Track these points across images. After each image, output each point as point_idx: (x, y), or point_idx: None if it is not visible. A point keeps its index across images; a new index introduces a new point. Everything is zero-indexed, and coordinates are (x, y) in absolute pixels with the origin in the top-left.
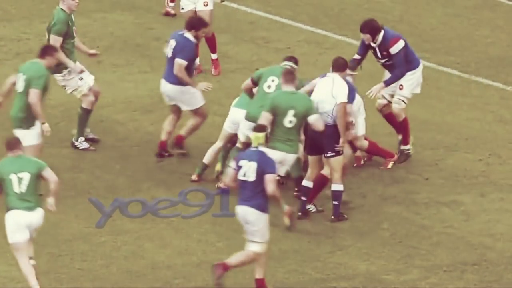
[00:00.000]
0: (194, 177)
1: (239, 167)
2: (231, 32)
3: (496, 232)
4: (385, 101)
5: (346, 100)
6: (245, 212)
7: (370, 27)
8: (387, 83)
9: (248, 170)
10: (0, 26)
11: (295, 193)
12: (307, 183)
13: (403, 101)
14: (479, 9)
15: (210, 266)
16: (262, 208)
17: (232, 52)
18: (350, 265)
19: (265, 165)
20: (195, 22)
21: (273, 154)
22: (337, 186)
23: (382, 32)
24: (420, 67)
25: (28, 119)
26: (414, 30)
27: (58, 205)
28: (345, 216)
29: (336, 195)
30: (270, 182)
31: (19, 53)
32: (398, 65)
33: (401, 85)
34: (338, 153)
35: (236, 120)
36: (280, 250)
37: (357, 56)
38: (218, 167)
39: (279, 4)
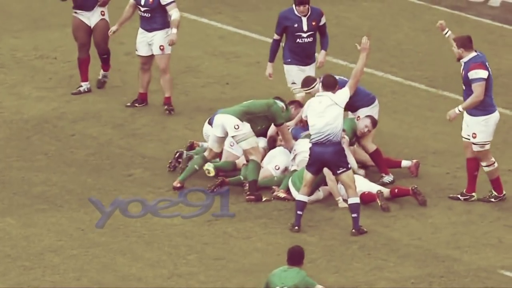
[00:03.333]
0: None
1: None
2: (201, 46)
3: (463, 244)
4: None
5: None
6: None
7: None
8: (325, 48)
9: None
10: None
11: (246, 196)
12: (302, 197)
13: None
14: (446, 24)
15: (180, 278)
16: None
17: (203, 67)
18: (320, 277)
19: None
20: None
21: None
22: (354, 199)
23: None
24: None
25: None
26: (382, 45)
27: (30, 218)
28: (365, 229)
29: (354, 208)
30: None
31: None
32: (326, 34)
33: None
34: (348, 168)
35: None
36: (250, 263)
37: (277, 37)
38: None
39: (249, 19)
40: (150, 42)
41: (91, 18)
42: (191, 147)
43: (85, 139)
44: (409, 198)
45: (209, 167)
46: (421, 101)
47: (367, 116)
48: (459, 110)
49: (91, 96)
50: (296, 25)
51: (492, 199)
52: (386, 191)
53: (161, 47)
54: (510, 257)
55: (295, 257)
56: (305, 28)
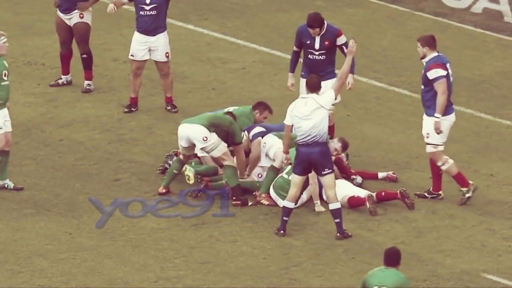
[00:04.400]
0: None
1: None
2: (188, 52)
3: (446, 248)
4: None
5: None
6: None
7: (320, 21)
8: (353, 72)
9: None
10: None
11: (233, 202)
12: (289, 204)
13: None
14: (428, 31)
15: (167, 282)
16: None
17: (189, 73)
18: (305, 281)
19: None
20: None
21: None
22: (334, 205)
23: (325, 23)
24: None
25: None
26: (366, 51)
27: (18, 222)
28: (350, 233)
29: (336, 213)
30: None
31: None
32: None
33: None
34: (333, 170)
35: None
36: (237, 267)
37: (296, 49)
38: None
39: (235, 25)
40: (153, 48)
41: (71, 19)
42: (175, 155)
43: (73, 144)
44: (394, 202)
45: (190, 173)
46: (404, 106)
47: (339, 139)
48: (438, 117)
49: (79, 102)
50: (308, 42)
51: (468, 195)
52: (373, 195)
53: (167, 54)
54: (493, 261)
55: (392, 257)
56: (316, 46)
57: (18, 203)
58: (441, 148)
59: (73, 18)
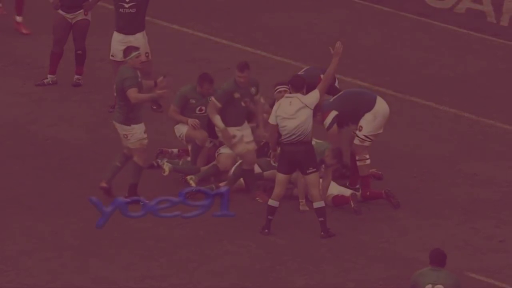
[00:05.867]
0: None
1: None
2: (173, 52)
3: (429, 247)
4: None
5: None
6: None
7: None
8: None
9: None
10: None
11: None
12: (273, 203)
13: None
14: (413, 31)
15: (153, 281)
16: None
17: (174, 72)
18: (289, 279)
19: None
20: None
21: None
22: (318, 203)
23: None
24: None
25: None
26: (350, 50)
27: (3, 221)
28: (334, 232)
29: (320, 211)
30: None
31: None
32: None
33: None
34: (317, 169)
35: None
36: (222, 266)
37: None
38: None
39: (220, 26)
40: None
41: (74, 18)
42: (161, 153)
43: (58, 144)
44: (378, 201)
45: (166, 167)
46: (388, 106)
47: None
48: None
49: (64, 101)
50: None
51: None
52: (357, 194)
53: (147, 54)
54: (477, 259)
55: (440, 257)
56: None
57: (3, 202)
58: (367, 144)
59: (77, 16)
